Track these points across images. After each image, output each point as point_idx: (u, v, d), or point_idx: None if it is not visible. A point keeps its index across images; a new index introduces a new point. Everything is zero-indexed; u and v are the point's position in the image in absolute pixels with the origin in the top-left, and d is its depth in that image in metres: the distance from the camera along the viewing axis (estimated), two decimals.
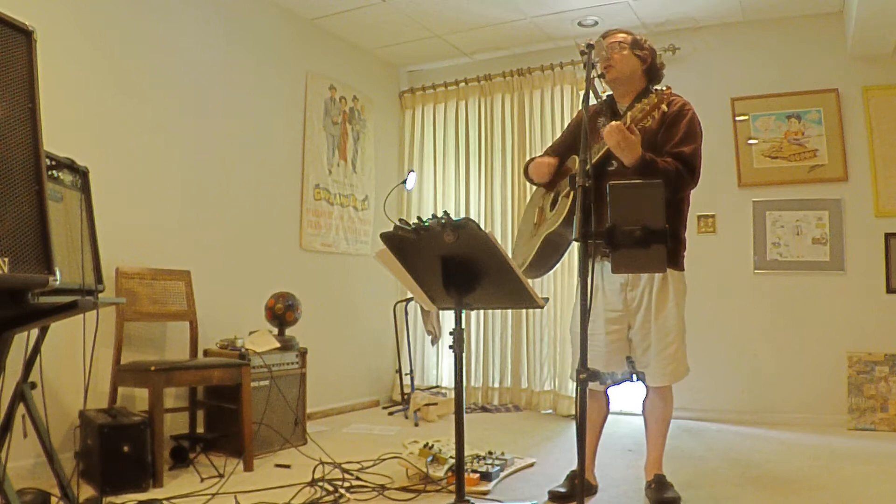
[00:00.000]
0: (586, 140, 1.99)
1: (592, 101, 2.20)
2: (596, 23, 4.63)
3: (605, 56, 2.51)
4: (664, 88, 2.34)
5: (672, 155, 2.44)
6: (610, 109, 2.64)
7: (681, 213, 2.60)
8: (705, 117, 4.79)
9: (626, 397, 4.35)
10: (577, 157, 2.60)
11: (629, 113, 2.37)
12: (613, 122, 2.33)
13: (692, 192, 2.58)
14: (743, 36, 4.56)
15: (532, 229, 2.75)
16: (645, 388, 2.63)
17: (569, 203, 2.49)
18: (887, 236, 4.16)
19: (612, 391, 2.73)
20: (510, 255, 2.90)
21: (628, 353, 2.57)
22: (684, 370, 2.54)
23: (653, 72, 2.61)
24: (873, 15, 3.68)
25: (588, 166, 1.91)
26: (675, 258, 2.56)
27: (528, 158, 2.87)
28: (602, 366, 2.53)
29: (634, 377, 2.59)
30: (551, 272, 3.05)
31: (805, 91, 4.36)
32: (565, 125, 4.85)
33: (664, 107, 2.34)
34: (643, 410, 2.67)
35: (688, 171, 2.44)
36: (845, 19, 4.24)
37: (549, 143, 5.00)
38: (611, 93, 2.69)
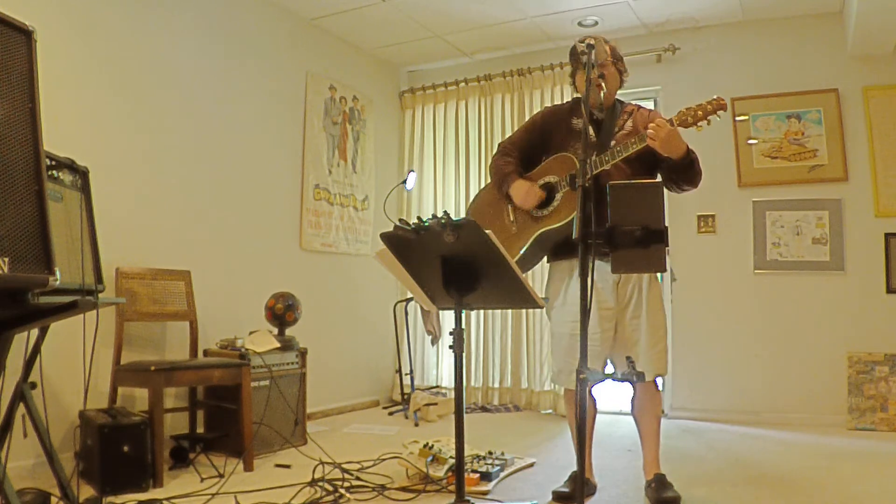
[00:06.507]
0: (587, 139, 2.00)
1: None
2: (596, 23, 4.63)
3: (601, 63, 2.54)
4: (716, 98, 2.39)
5: None
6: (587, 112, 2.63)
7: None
8: None
9: (626, 397, 4.34)
10: (551, 166, 2.62)
11: (676, 116, 2.41)
12: (670, 127, 2.36)
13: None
14: (743, 36, 4.56)
15: (509, 226, 2.71)
16: (632, 387, 2.65)
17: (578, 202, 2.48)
18: (887, 236, 4.16)
19: (597, 391, 2.76)
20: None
21: (615, 350, 2.59)
22: (667, 366, 2.60)
23: (622, 81, 2.73)
24: (873, 15, 3.69)
25: (588, 167, 1.91)
26: None
27: (493, 161, 2.80)
28: (597, 363, 2.54)
29: (619, 377, 2.59)
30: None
31: (805, 91, 4.36)
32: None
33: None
34: (633, 410, 2.68)
35: (699, 172, 2.57)
36: (845, 19, 4.24)
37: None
38: (579, 95, 2.70)
